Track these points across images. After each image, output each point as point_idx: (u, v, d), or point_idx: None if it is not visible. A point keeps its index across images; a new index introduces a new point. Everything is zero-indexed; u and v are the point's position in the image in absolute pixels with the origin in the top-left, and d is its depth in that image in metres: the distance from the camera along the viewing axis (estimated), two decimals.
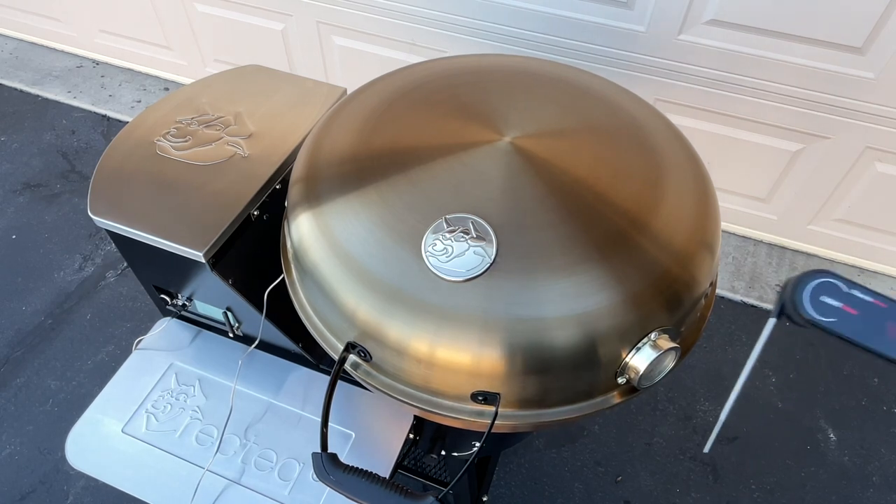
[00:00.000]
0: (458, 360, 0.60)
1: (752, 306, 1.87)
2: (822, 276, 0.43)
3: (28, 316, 1.85)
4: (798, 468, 1.56)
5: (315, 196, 0.69)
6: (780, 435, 1.62)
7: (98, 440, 0.86)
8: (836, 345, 1.87)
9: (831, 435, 1.62)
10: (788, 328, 1.83)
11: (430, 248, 0.61)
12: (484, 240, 0.61)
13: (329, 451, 0.63)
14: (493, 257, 0.60)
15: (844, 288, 0.42)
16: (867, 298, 0.42)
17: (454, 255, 0.60)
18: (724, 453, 1.59)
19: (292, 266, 0.75)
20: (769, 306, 1.86)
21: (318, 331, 0.70)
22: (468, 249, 0.60)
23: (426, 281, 0.60)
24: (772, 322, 0.50)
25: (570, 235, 0.62)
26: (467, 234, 0.61)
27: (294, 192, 0.73)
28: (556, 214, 0.63)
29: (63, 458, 0.85)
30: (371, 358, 0.66)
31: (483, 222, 0.62)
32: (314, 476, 0.82)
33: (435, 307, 0.59)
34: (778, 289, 1.89)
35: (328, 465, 0.61)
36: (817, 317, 0.43)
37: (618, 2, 1.59)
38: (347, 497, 0.61)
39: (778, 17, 1.47)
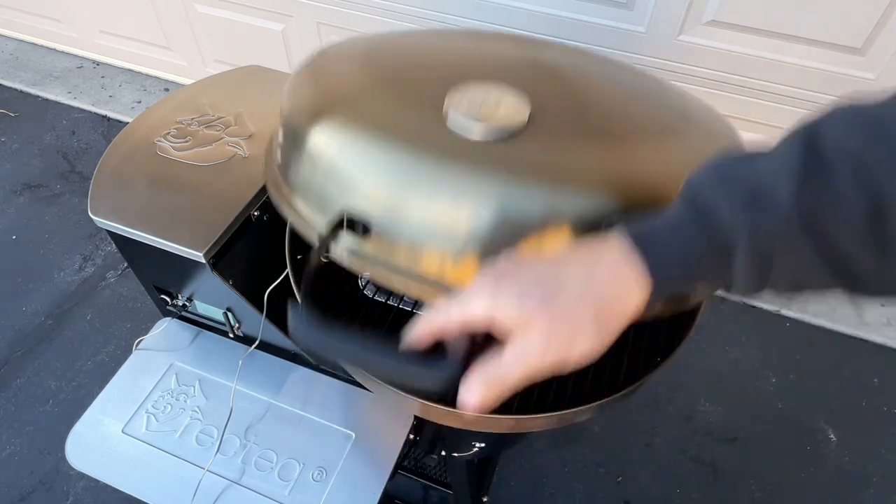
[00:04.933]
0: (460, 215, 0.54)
1: (752, 307, 1.87)
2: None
3: (28, 316, 1.85)
4: (798, 468, 1.56)
5: (319, 99, 0.62)
6: (780, 435, 1.62)
7: (98, 440, 0.86)
8: (837, 345, 1.85)
9: (831, 435, 1.62)
10: (789, 328, 1.80)
11: (456, 106, 0.56)
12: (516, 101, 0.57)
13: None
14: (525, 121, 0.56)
15: None
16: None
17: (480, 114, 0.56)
18: (724, 453, 1.59)
19: (279, 153, 0.66)
20: (769, 306, 1.86)
21: (307, 219, 0.61)
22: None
23: (450, 141, 0.55)
24: None
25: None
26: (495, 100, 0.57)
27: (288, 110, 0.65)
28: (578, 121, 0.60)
29: (63, 459, 0.85)
30: (370, 231, 0.57)
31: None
32: (314, 476, 0.82)
33: (459, 169, 0.54)
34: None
35: (309, 322, 0.47)
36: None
37: (618, 2, 1.59)
38: (332, 362, 0.53)
39: (778, 18, 1.47)
